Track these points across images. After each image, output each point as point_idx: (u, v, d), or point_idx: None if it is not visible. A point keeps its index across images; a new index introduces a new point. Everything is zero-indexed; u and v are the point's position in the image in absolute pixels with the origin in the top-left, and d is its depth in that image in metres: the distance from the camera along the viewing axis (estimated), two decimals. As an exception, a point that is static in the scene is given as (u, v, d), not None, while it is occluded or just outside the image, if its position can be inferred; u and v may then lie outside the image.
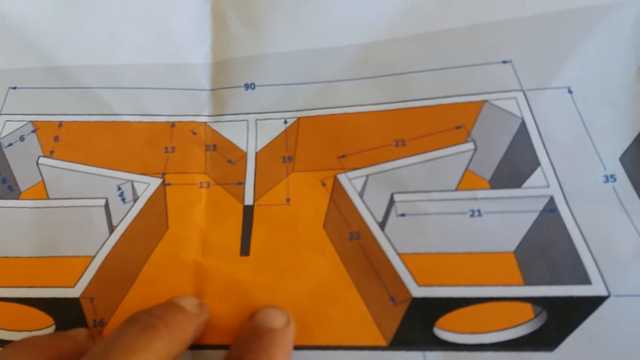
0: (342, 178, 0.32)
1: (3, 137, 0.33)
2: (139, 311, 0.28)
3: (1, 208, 0.32)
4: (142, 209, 0.32)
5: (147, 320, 0.26)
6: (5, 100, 0.34)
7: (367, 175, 0.32)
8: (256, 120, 0.34)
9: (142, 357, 0.24)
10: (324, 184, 0.33)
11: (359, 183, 0.32)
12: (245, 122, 0.34)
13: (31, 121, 0.34)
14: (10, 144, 0.33)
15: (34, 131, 0.34)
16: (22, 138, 0.34)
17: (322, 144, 0.33)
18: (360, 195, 0.32)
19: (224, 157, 0.34)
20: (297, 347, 0.29)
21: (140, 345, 0.25)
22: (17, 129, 0.34)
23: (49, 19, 0.35)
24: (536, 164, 0.30)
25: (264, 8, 0.35)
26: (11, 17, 0.35)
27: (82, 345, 0.29)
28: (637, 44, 0.31)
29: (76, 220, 0.32)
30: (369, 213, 0.31)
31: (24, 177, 0.33)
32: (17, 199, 0.33)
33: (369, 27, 0.34)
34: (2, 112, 0.34)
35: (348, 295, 0.30)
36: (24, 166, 0.33)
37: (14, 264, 0.31)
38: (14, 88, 0.34)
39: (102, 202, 0.32)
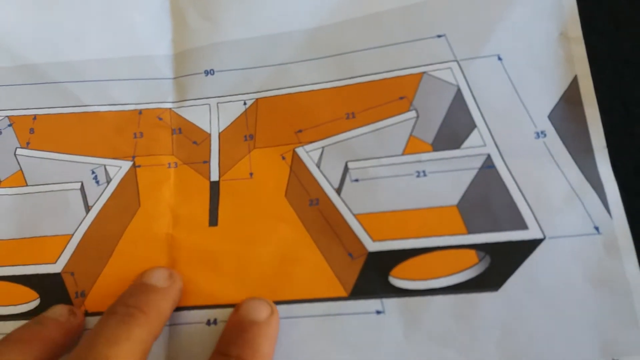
0: (300, 151, 0.34)
1: None
2: (114, 302, 0.29)
3: None
4: (115, 189, 0.34)
5: (124, 311, 0.28)
6: None
7: (323, 147, 0.34)
8: (217, 103, 0.36)
9: (124, 345, 0.26)
10: (283, 158, 0.34)
11: (315, 155, 0.34)
12: (207, 105, 0.36)
13: (7, 116, 0.35)
14: None
15: (10, 125, 0.35)
16: None
17: (280, 121, 0.35)
18: (318, 165, 0.34)
19: (189, 139, 0.35)
20: (266, 304, 0.32)
21: (121, 334, 0.26)
22: None
23: (15, 19, 0.37)
24: (473, 126, 0.33)
25: (219, 0, 0.37)
26: None
27: (65, 325, 0.30)
28: (558, 11, 0.34)
29: (54, 203, 0.33)
30: (326, 181, 0.33)
31: (2, 167, 0.35)
32: (-3, 187, 0.34)
33: (313, 13, 0.36)
34: None
35: (310, 255, 0.32)
36: (2, 157, 0.35)
37: (-5, 245, 0.33)
38: None
39: (78, 185, 0.34)
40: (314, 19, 0.36)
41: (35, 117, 0.35)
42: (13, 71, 0.36)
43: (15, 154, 0.35)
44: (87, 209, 0.33)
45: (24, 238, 0.33)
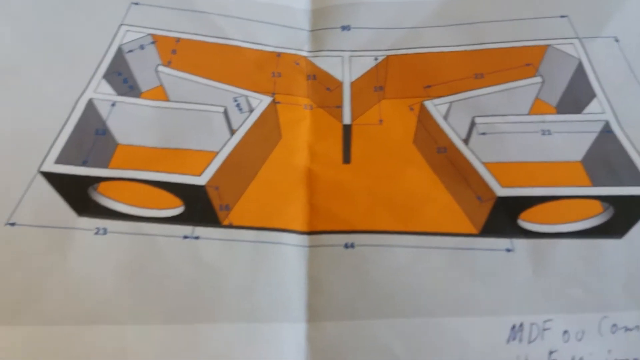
0: (428, 104, 0.36)
1: (124, 44, 0.35)
2: None
3: (124, 103, 0.33)
4: (258, 118, 0.34)
5: None
6: (127, 12, 0.36)
7: (451, 102, 0.36)
8: (350, 56, 0.37)
9: None
10: (411, 109, 0.36)
11: (443, 109, 0.36)
12: (340, 57, 0.37)
13: (150, 34, 0.36)
14: (131, 51, 0.35)
15: (153, 42, 0.36)
16: (142, 47, 0.35)
17: (409, 76, 0.37)
18: (445, 118, 0.36)
19: (323, 85, 0.37)
20: (400, 233, 0.32)
21: None
22: (137, 38, 0.35)
23: None
24: (593, 95, 0.35)
25: (360, -33, 0.39)
26: None
27: None
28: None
29: (198, 122, 0.34)
30: (453, 132, 0.35)
31: (143, 80, 0.35)
32: (138, 97, 0.35)
33: None
34: (124, 23, 0.36)
35: (440, 195, 0.34)
36: (143, 71, 0.35)
37: (141, 151, 0.33)
38: (136, 4, 0.36)
39: (222, 109, 0.34)
40: (446, -8, 0.39)
41: (178, 39, 0.36)
42: None
43: (156, 70, 0.35)
44: (231, 132, 0.34)
45: (168, 148, 0.33)
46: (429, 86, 0.37)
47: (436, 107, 0.36)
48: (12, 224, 0.30)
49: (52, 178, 0.31)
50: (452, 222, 0.33)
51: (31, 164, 0.31)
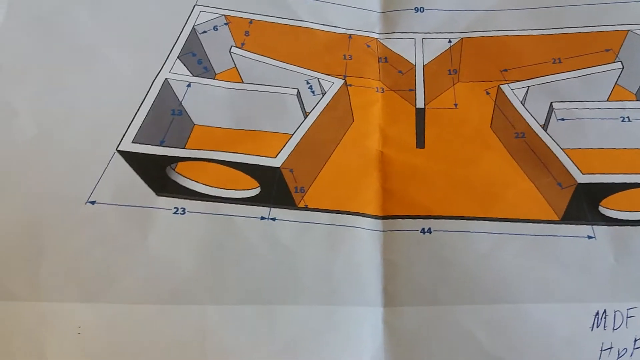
0: (506, 88, 0.35)
1: (198, 25, 0.35)
2: None
3: (199, 85, 0.33)
4: (330, 101, 0.34)
5: None
6: None
7: (528, 87, 0.35)
8: (423, 38, 0.36)
9: None
10: (487, 93, 0.35)
11: (520, 93, 0.34)
12: (412, 40, 0.36)
13: (224, 15, 0.35)
14: (205, 32, 0.35)
15: (226, 24, 0.35)
16: (215, 28, 0.35)
17: (485, 60, 0.36)
18: (522, 102, 0.35)
19: (394, 68, 0.36)
20: (479, 219, 0.31)
21: None
22: (211, 19, 0.35)
23: None
24: (675, 82, 0.34)
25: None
26: None
27: None
28: None
29: (272, 103, 0.33)
30: (531, 117, 0.34)
31: (217, 62, 0.35)
32: (213, 79, 0.34)
33: None
34: (198, 4, 0.35)
35: (519, 180, 0.32)
36: (217, 52, 0.35)
37: (216, 132, 0.32)
38: None
39: (295, 91, 0.33)
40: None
41: (251, 21, 0.35)
42: None
43: (230, 52, 0.35)
44: (305, 114, 0.33)
45: (243, 130, 0.32)
46: (505, 70, 0.35)
47: (513, 92, 0.35)
48: (93, 202, 0.29)
49: (130, 157, 0.30)
50: (533, 208, 0.31)
51: (109, 143, 0.31)
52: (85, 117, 0.31)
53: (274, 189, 0.31)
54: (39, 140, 0.30)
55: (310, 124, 0.33)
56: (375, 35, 0.36)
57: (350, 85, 0.35)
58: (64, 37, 0.33)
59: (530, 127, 0.33)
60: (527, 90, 0.35)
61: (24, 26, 0.33)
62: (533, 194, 0.32)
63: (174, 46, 0.34)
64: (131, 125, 0.31)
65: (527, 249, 0.31)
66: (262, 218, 0.30)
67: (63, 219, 0.29)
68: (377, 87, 0.35)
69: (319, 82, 0.34)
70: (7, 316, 0.27)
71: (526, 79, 0.35)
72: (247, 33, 0.35)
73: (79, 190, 0.29)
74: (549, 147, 0.33)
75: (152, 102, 0.32)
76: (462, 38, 0.36)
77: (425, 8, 0.37)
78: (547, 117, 0.34)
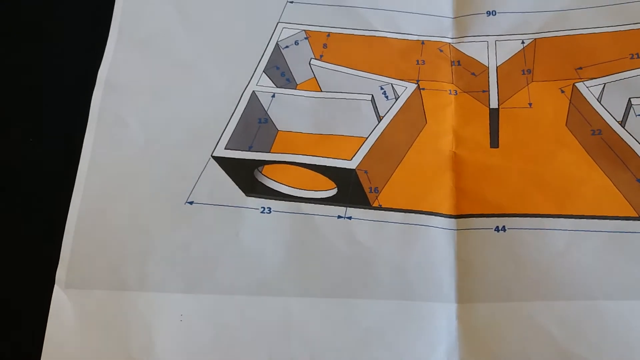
0: (581, 86, 0.34)
1: (281, 40, 0.37)
2: None
3: (282, 95, 0.35)
4: (404, 105, 0.34)
5: None
6: (283, 11, 0.37)
7: (604, 84, 0.34)
8: (495, 41, 0.36)
9: None
10: (562, 91, 0.34)
11: (596, 90, 0.34)
12: (485, 42, 0.36)
13: (304, 30, 0.37)
14: (287, 47, 0.37)
15: (306, 38, 0.37)
16: (296, 43, 0.37)
17: (559, 59, 0.35)
18: (598, 100, 0.34)
19: (467, 70, 0.36)
20: (555, 216, 0.31)
21: None
22: (292, 35, 0.37)
23: None
24: None
25: (504, -48, 0.38)
26: None
27: None
28: None
29: (348, 109, 0.34)
30: (608, 114, 0.33)
31: (298, 73, 0.36)
32: (294, 89, 0.36)
33: None
34: (281, 21, 0.37)
35: (596, 177, 0.32)
36: (298, 65, 0.37)
37: (299, 137, 0.34)
38: (291, 2, 0.38)
39: (369, 97, 0.35)
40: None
41: (329, 34, 0.37)
42: None
43: (310, 64, 0.37)
44: (379, 118, 0.34)
45: (322, 134, 0.34)
46: (580, 68, 0.34)
47: (589, 89, 0.34)
48: (191, 203, 0.32)
49: (223, 162, 0.33)
50: (610, 204, 0.31)
51: (205, 149, 0.33)
52: (185, 127, 0.34)
53: (350, 190, 0.32)
54: (146, 148, 0.33)
55: (383, 127, 0.34)
56: (448, 40, 0.37)
57: (423, 89, 0.35)
58: (166, 55, 0.36)
59: (608, 123, 0.33)
60: (603, 87, 0.34)
61: (132, 47, 0.36)
62: (610, 190, 0.31)
63: (259, 61, 0.36)
64: (224, 133, 0.34)
65: (604, 246, 0.30)
66: (339, 217, 0.32)
67: (167, 217, 0.32)
68: (450, 90, 0.35)
69: (392, 87, 0.35)
70: (121, 305, 0.30)
71: (602, 76, 0.34)
72: (325, 45, 0.37)
73: (180, 192, 0.32)
74: (627, 144, 0.32)
75: (241, 112, 0.34)
76: (535, 39, 0.36)
77: (497, 11, 0.36)
78: (625, 113, 0.33)
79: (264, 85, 0.35)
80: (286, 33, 0.37)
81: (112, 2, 0.37)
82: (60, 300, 0.30)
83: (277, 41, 0.36)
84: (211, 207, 0.32)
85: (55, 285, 0.30)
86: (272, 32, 0.37)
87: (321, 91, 0.36)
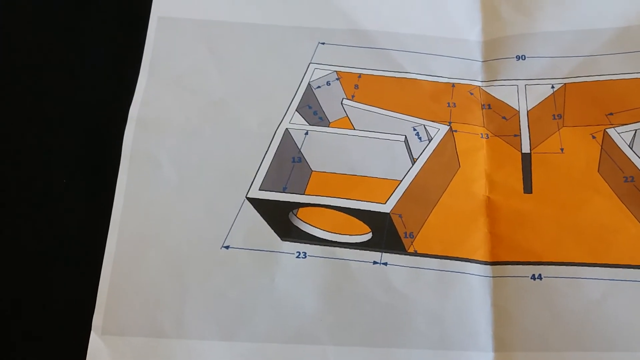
0: (612, 132, 0.34)
1: (313, 81, 0.36)
2: None
3: (315, 132, 0.34)
4: (437, 147, 0.34)
5: None
6: (315, 52, 0.37)
7: (636, 130, 0.33)
8: (525, 85, 0.36)
9: None
10: (594, 137, 0.34)
11: (628, 136, 0.33)
12: (515, 86, 0.36)
13: (335, 71, 0.37)
14: (319, 87, 0.36)
15: (337, 79, 0.36)
16: (328, 83, 0.36)
17: (589, 104, 0.35)
18: (630, 146, 0.33)
19: (498, 114, 0.35)
20: (590, 264, 0.30)
21: None
22: (324, 75, 0.36)
23: None
24: None
25: (535, -1, 0.38)
26: None
27: None
28: None
29: (382, 150, 0.34)
30: (640, 161, 0.33)
31: (330, 112, 0.36)
32: (328, 126, 0.35)
33: (623, 14, 0.36)
34: (312, 62, 0.37)
35: (630, 225, 0.31)
36: (330, 104, 0.36)
37: (333, 178, 0.33)
38: (323, 43, 0.37)
39: (402, 137, 0.34)
40: (624, 19, 0.36)
41: (360, 75, 0.37)
42: (345, 33, 0.37)
43: (342, 103, 0.36)
44: (413, 160, 0.34)
45: (355, 175, 0.33)
46: (611, 114, 0.34)
47: (620, 135, 0.33)
48: (227, 247, 0.31)
49: (258, 204, 0.32)
50: (646, 254, 0.30)
51: (240, 190, 0.32)
52: (219, 166, 0.33)
53: (385, 234, 0.31)
54: (181, 189, 0.32)
55: (418, 170, 0.33)
56: (478, 83, 0.36)
57: (455, 131, 0.35)
58: (198, 93, 0.35)
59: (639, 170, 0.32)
60: (634, 133, 0.33)
61: (164, 85, 0.36)
62: (644, 239, 0.31)
63: (292, 100, 0.35)
64: (258, 173, 0.33)
65: (642, 296, 0.29)
66: (375, 262, 0.31)
67: (203, 261, 0.31)
68: (481, 134, 0.35)
69: (425, 128, 0.35)
70: (158, 352, 0.29)
71: (633, 122, 0.34)
72: (356, 86, 0.36)
73: (215, 235, 0.31)
74: (661, 191, 0.31)
75: (275, 150, 0.34)
76: (565, 84, 0.35)
77: (527, 56, 0.36)
78: (657, 160, 0.32)
79: (296, 123, 0.35)
80: (318, 74, 0.36)
81: (144, 39, 0.36)
82: (98, 347, 0.29)
83: (309, 81, 0.36)
84: (247, 252, 0.31)
85: (92, 332, 0.29)
86: (304, 73, 0.36)
87: (354, 129, 0.35)
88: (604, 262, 0.30)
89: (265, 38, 0.37)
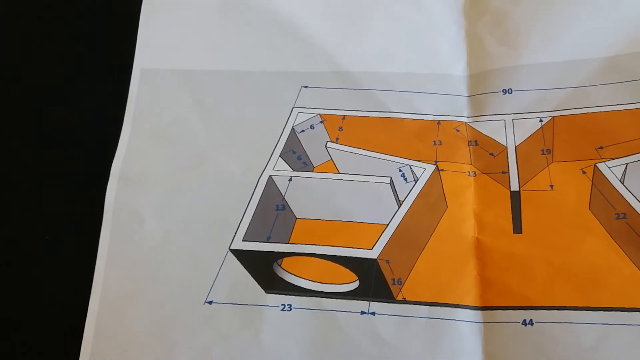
0: (602, 167, 0.32)
1: (297, 125, 0.35)
2: None
3: (299, 178, 0.34)
4: (423, 188, 0.33)
5: None
6: (298, 96, 0.36)
7: (627, 164, 0.32)
8: (512, 119, 0.35)
9: None
10: (584, 172, 0.33)
11: (618, 171, 0.32)
12: (502, 121, 0.35)
13: (319, 114, 0.36)
14: (303, 131, 0.35)
15: (321, 122, 0.36)
16: (312, 127, 0.35)
17: (579, 138, 0.33)
18: (621, 181, 0.32)
19: (485, 150, 0.34)
20: (583, 308, 0.29)
21: None
22: (308, 119, 0.36)
23: (334, 32, 0.38)
24: None
25: (519, 30, 0.36)
26: (301, 28, 0.38)
27: None
28: None
29: (366, 193, 0.33)
30: (632, 196, 0.31)
31: (315, 156, 0.35)
32: (312, 171, 0.35)
33: (611, 43, 0.35)
34: (295, 106, 0.36)
35: (623, 265, 0.30)
36: (314, 148, 0.35)
37: (318, 225, 0.32)
38: (306, 87, 0.36)
39: (388, 179, 0.33)
40: (612, 48, 0.35)
41: (344, 117, 0.36)
42: (328, 75, 0.37)
43: (326, 147, 0.35)
44: (399, 202, 0.33)
45: (341, 221, 0.32)
46: (601, 147, 0.33)
47: (611, 170, 0.32)
48: (210, 302, 0.30)
49: (241, 255, 0.31)
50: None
51: (223, 242, 0.32)
52: (202, 218, 0.33)
53: (372, 282, 0.30)
54: (164, 244, 0.32)
55: (404, 213, 0.32)
56: (464, 119, 0.35)
57: (442, 170, 0.34)
58: (182, 144, 0.35)
59: (632, 206, 0.31)
60: (625, 168, 0.32)
61: (147, 137, 0.35)
62: (638, 280, 0.29)
63: (275, 146, 0.34)
64: (241, 222, 0.32)
65: (637, 340, 0.28)
66: (362, 312, 0.30)
67: (186, 318, 0.30)
68: (468, 171, 0.34)
69: (411, 168, 0.34)
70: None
71: (624, 155, 0.32)
72: (340, 128, 0.35)
73: (198, 291, 0.31)
74: (654, 229, 0.30)
75: (258, 198, 0.33)
76: (553, 117, 0.34)
77: (513, 89, 0.35)
78: (651, 195, 0.31)
79: (280, 169, 0.34)
80: (301, 117, 0.36)
81: (127, 90, 0.36)
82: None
83: (293, 126, 0.35)
84: (231, 307, 0.30)
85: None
86: (288, 117, 0.35)
87: (339, 173, 0.34)
88: (597, 306, 0.29)
89: (249, 84, 0.37)
